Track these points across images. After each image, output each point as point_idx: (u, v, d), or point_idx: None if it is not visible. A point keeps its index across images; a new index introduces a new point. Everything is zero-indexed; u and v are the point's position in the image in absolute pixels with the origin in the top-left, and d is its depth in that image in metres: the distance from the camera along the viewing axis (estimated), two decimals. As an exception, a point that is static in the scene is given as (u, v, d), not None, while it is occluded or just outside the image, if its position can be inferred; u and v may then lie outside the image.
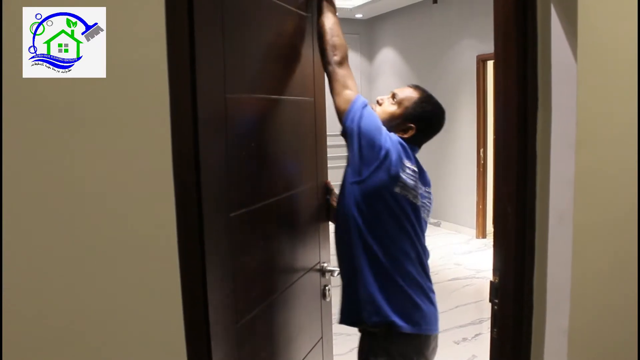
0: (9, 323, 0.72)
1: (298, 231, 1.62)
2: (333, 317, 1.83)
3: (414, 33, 6.99)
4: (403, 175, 1.53)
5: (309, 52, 1.63)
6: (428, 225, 1.71)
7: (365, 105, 1.52)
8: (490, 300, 1.44)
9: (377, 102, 1.69)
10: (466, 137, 6.19)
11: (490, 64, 5.80)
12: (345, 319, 1.62)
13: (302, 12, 1.56)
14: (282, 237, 1.50)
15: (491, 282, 1.44)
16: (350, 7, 6.96)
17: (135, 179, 0.82)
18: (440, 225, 6.72)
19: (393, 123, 1.63)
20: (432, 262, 5.89)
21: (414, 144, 1.65)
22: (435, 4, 6.00)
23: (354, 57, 7.89)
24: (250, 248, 1.32)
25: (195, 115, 0.96)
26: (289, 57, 1.50)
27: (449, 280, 4.73)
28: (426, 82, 6.64)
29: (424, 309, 1.58)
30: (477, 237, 6.12)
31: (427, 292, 1.61)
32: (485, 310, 3.92)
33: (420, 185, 1.62)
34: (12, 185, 0.71)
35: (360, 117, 1.48)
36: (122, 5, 0.75)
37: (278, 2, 1.41)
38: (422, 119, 1.64)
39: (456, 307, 4.13)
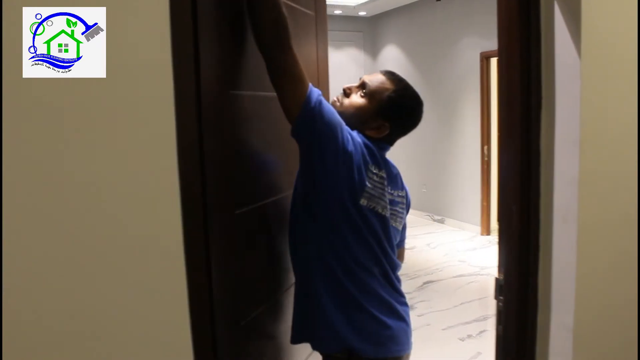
0: (9, 326, 0.72)
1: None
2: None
3: (417, 30, 6.97)
4: (369, 184, 1.31)
5: (312, 50, 1.62)
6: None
7: (321, 100, 1.22)
8: (496, 298, 1.44)
9: (345, 91, 1.42)
10: (470, 134, 6.18)
11: (494, 61, 5.78)
12: (298, 338, 1.39)
13: (306, 11, 1.56)
14: (285, 235, 1.50)
15: (496, 279, 1.44)
16: (354, 4, 6.95)
17: (138, 178, 0.81)
18: (445, 222, 6.71)
19: (363, 119, 1.37)
20: (437, 259, 5.86)
21: (385, 142, 1.41)
22: (438, 1, 5.98)
23: (357, 55, 7.89)
24: (254, 246, 1.31)
25: (200, 112, 0.95)
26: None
27: (454, 277, 4.72)
28: (430, 79, 6.64)
29: (392, 327, 1.37)
30: (482, 234, 6.11)
31: (394, 308, 1.39)
32: (490, 307, 3.92)
33: (390, 191, 1.40)
34: (13, 187, 0.70)
35: (318, 115, 1.19)
36: (122, 5, 0.75)
37: (283, -1, 1.40)
38: (398, 115, 1.39)
39: (461, 304, 4.13)
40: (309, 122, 1.20)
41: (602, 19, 1.24)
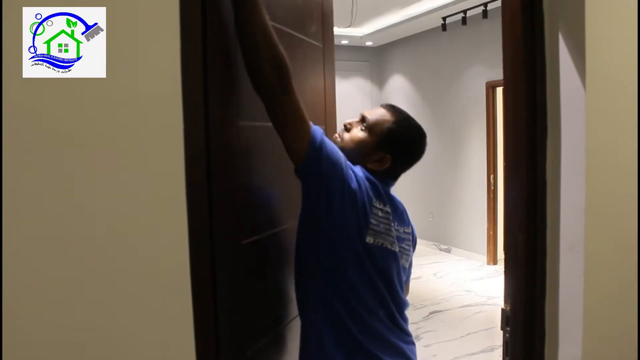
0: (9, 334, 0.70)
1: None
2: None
3: (423, 60, 7.05)
4: (373, 220, 1.28)
5: (319, 82, 1.61)
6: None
7: (324, 139, 1.21)
8: (502, 329, 1.41)
9: (345, 126, 1.42)
10: (476, 163, 6.17)
11: (499, 90, 5.81)
12: None
13: (314, 43, 1.56)
14: (287, 267, 1.46)
15: (502, 310, 1.41)
16: (361, 35, 7.05)
17: (140, 178, 0.80)
18: (451, 252, 6.64)
19: (364, 153, 1.36)
20: (443, 289, 5.79)
21: (388, 177, 1.39)
22: (444, 32, 6.06)
23: (364, 84, 7.95)
24: (260, 276, 1.29)
25: (207, 115, 0.94)
26: (300, 86, 1.48)
27: (460, 307, 4.65)
28: (436, 108, 6.68)
29: None
30: (488, 263, 6.05)
31: (400, 349, 1.35)
32: (497, 337, 3.84)
33: (396, 227, 1.37)
34: (12, 187, 0.69)
35: (323, 155, 1.18)
36: (122, 5, 0.75)
37: (290, 31, 1.40)
38: (399, 147, 1.37)
39: (467, 334, 4.05)
40: (315, 162, 1.18)
41: (606, 49, 1.26)
